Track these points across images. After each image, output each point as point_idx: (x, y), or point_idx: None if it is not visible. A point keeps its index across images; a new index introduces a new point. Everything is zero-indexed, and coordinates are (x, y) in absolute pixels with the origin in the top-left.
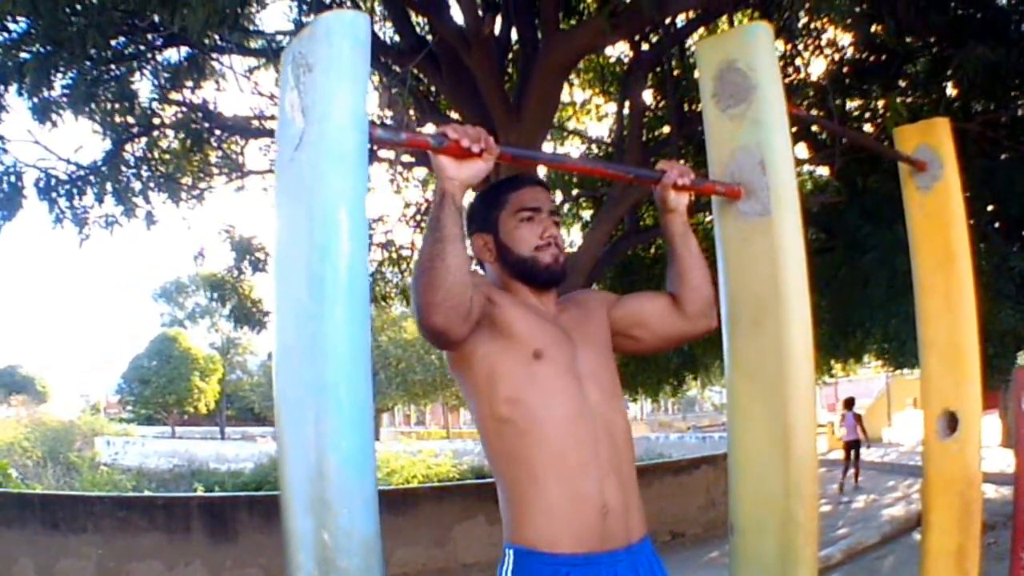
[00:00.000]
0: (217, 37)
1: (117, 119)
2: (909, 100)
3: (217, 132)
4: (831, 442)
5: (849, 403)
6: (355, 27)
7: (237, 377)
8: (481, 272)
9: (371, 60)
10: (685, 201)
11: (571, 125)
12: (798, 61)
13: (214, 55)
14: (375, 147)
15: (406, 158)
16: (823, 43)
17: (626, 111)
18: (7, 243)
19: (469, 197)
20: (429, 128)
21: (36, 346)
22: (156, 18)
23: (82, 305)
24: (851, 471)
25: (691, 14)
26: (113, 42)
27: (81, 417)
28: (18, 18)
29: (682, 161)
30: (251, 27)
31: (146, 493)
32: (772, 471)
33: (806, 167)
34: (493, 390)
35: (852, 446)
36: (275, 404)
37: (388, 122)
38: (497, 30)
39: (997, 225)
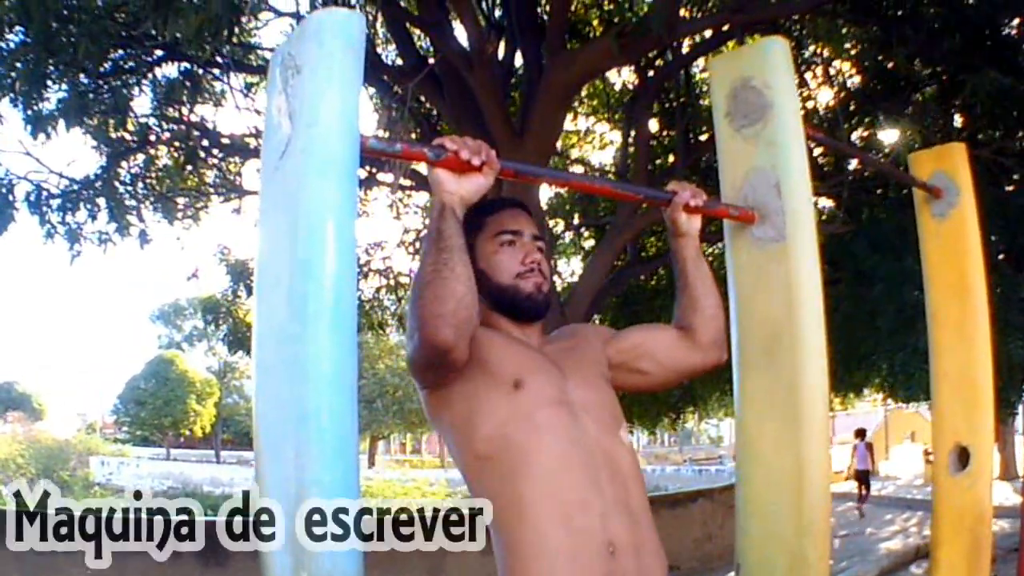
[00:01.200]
0: (214, 51)
1: (112, 133)
2: (916, 131)
3: (213, 150)
4: None
5: (860, 433)
6: (348, 26)
7: (233, 401)
8: None
9: (372, 79)
10: (697, 225)
11: (575, 153)
12: (805, 92)
13: (212, 71)
14: (368, 157)
15: (405, 181)
16: (832, 72)
17: (631, 139)
18: (6, 259)
19: None
20: None
21: (34, 364)
22: (152, 31)
23: (81, 324)
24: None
25: (697, 39)
26: (110, 55)
27: (77, 436)
28: (15, 28)
29: None
30: (248, 41)
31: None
32: (783, 509)
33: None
34: (471, 429)
35: (863, 475)
36: (254, 432)
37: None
38: (502, 52)
39: (1004, 255)
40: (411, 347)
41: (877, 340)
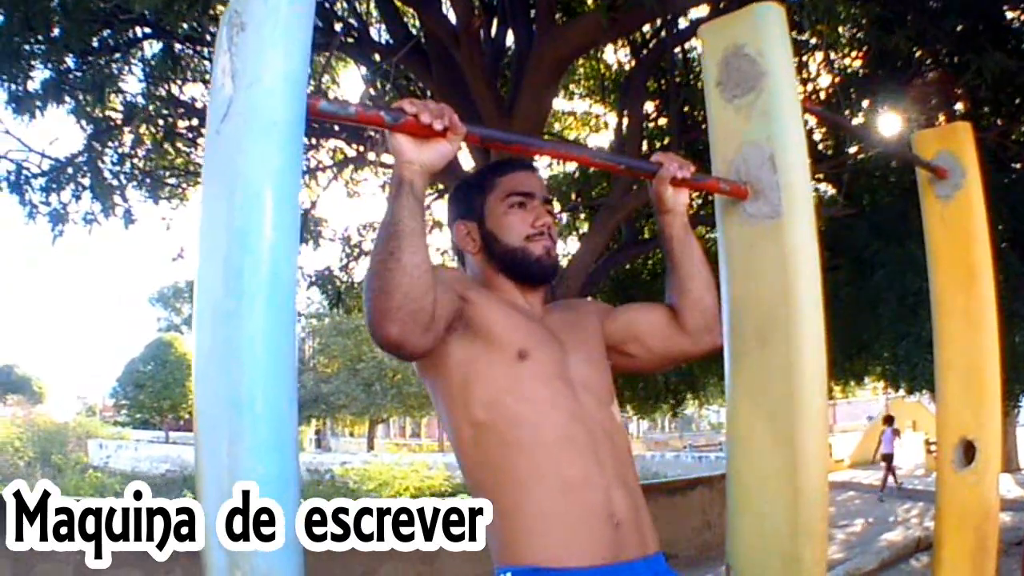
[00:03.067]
0: (195, 27)
1: (95, 112)
2: (918, 114)
3: (202, 129)
4: (829, 464)
5: (888, 420)
6: None
7: None
8: (455, 266)
9: (363, 59)
10: (684, 200)
11: (572, 136)
12: (805, 74)
13: (200, 49)
14: (319, 121)
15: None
16: (832, 56)
17: (626, 120)
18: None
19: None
20: None
21: (34, 346)
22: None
23: (82, 307)
24: (888, 477)
25: (694, 15)
26: (97, 34)
27: (76, 419)
28: None
29: None
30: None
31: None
32: (777, 506)
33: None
34: (468, 394)
35: (888, 458)
36: (194, 419)
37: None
38: (494, 31)
39: (1009, 243)
40: (369, 333)
41: (879, 328)
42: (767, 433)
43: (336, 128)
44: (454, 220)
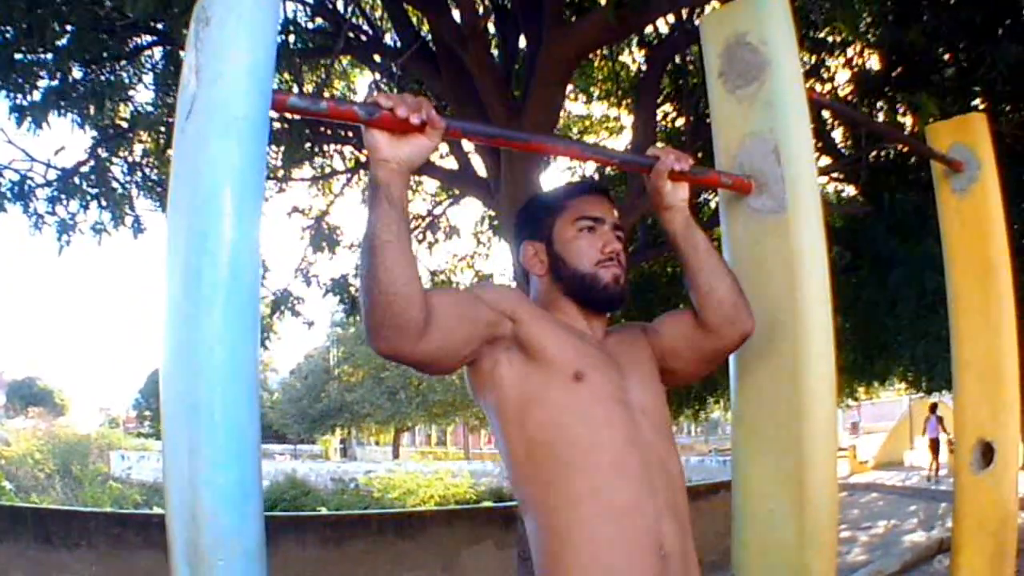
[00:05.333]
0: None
1: (100, 121)
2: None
3: None
4: (853, 466)
5: (933, 408)
6: None
7: None
8: (509, 284)
9: (372, 62)
10: (684, 195)
11: (590, 139)
12: (825, 73)
13: None
14: (287, 116)
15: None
16: (849, 53)
17: (638, 120)
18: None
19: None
20: None
21: (57, 359)
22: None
23: (105, 318)
24: (935, 464)
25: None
26: (106, 43)
27: (98, 431)
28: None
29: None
30: None
31: (144, 511)
32: (784, 516)
33: (830, 185)
34: (525, 414)
35: (935, 443)
36: (161, 427)
37: None
38: (503, 32)
39: None
40: None
41: (898, 328)
42: (773, 438)
43: (350, 134)
44: (522, 240)
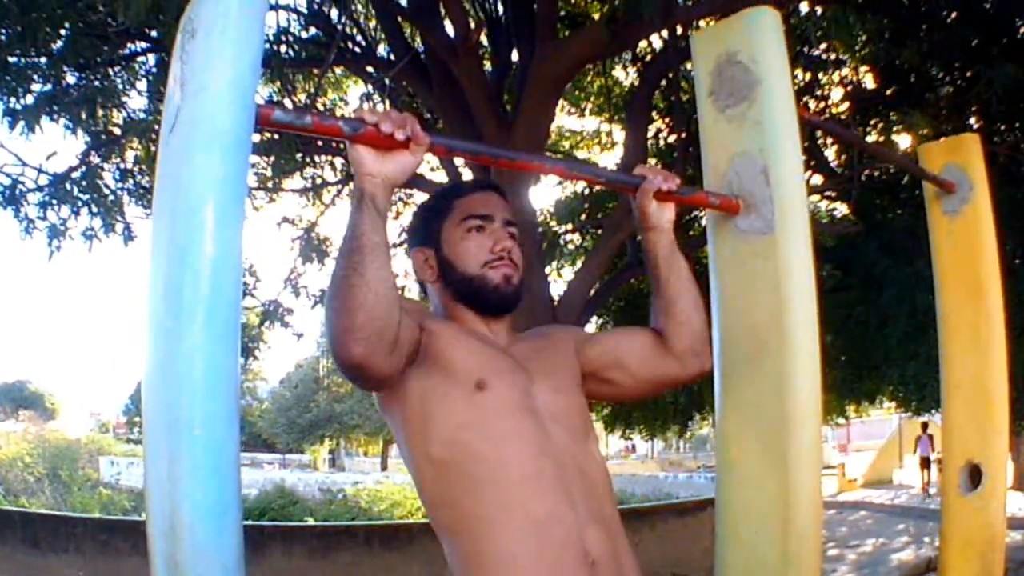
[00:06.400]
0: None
1: (92, 127)
2: (929, 132)
3: None
4: (841, 484)
5: (924, 426)
6: None
7: (247, 403)
8: (414, 298)
9: (362, 73)
10: (670, 216)
11: (582, 155)
12: (820, 92)
13: None
14: (270, 132)
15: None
16: (843, 72)
17: (628, 137)
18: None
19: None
20: None
21: (48, 362)
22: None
23: (97, 323)
24: (925, 481)
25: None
26: (93, 50)
27: (88, 436)
28: None
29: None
30: None
31: (133, 517)
32: (767, 539)
33: (821, 203)
34: (427, 430)
35: (926, 461)
36: (143, 440)
37: None
38: (496, 46)
39: (1022, 259)
40: (332, 356)
41: (888, 347)
42: (757, 460)
43: (341, 145)
44: (412, 248)
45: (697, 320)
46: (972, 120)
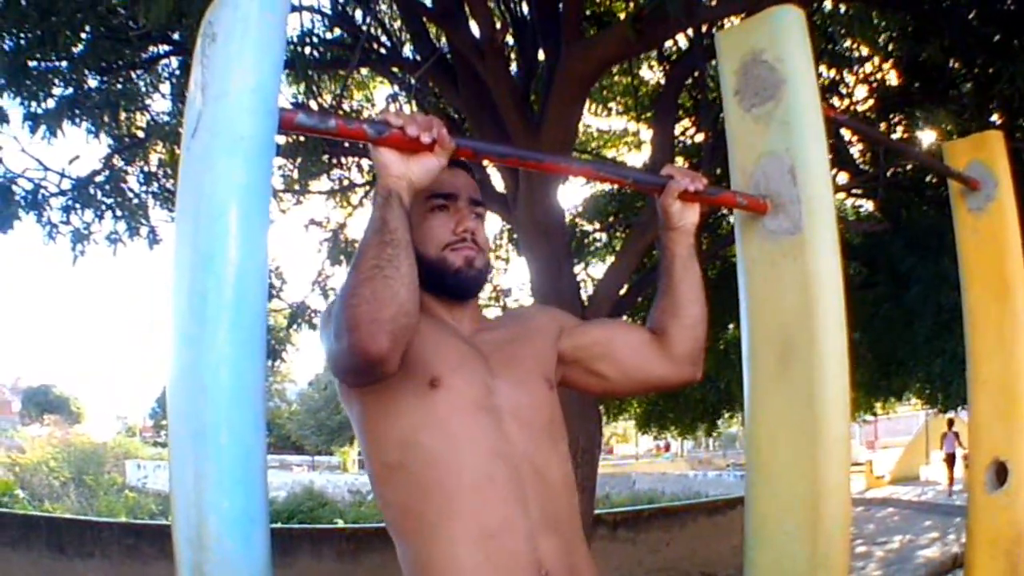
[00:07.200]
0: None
1: (116, 131)
2: (953, 127)
3: None
4: (869, 481)
5: (950, 423)
6: None
7: (275, 405)
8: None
9: (388, 74)
10: (693, 218)
11: (610, 154)
12: (845, 90)
13: None
14: (295, 135)
15: None
16: (867, 69)
17: (656, 137)
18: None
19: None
20: None
21: (72, 367)
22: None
23: (122, 326)
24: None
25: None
26: (115, 53)
27: (114, 440)
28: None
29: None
30: None
31: (159, 521)
32: (796, 539)
33: (848, 201)
34: (380, 431)
35: (952, 458)
36: (168, 449)
37: None
38: (522, 46)
39: None
40: (337, 348)
41: (915, 345)
42: (787, 460)
43: (368, 146)
44: None
45: (701, 329)
46: (995, 117)
